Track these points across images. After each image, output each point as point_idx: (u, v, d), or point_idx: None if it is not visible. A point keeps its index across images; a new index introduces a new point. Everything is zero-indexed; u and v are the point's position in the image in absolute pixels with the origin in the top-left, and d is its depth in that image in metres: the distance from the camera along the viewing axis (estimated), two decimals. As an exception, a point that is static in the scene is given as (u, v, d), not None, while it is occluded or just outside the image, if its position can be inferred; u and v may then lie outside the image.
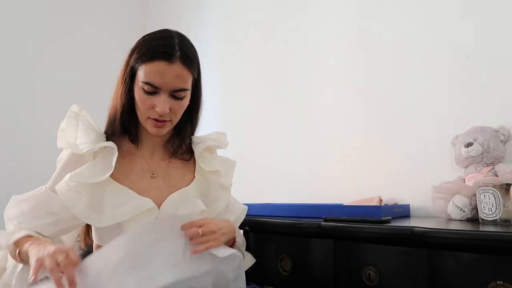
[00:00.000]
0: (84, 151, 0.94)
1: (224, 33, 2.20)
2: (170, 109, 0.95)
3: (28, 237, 0.91)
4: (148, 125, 0.98)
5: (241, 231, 1.32)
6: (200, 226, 0.89)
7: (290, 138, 1.80)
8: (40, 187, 0.99)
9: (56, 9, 2.31)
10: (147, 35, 0.98)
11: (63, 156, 1.03)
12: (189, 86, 0.97)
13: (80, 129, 0.98)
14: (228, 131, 2.17)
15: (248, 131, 1.99)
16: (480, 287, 0.82)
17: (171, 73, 0.92)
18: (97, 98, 2.06)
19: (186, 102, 0.99)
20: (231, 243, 1.04)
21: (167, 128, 1.00)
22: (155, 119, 0.96)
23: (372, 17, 1.58)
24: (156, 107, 0.93)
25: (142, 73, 0.93)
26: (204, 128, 1.16)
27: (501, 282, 0.80)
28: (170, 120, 0.98)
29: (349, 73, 1.63)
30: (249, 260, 1.13)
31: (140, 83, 0.93)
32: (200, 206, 1.01)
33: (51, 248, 0.79)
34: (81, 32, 2.40)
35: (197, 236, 0.88)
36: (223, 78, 2.17)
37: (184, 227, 0.88)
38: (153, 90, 0.93)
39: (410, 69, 1.45)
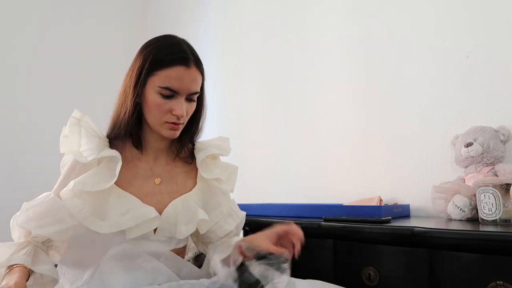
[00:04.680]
0: (88, 159, 0.94)
1: (224, 33, 2.20)
2: (185, 112, 0.98)
3: (17, 266, 0.90)
4: (163, 129, 1.00)
5: (242, 231, 1.32)
6: None
7: (290, 138, 1.80)
8: (48, 193, 0.98)
9: (57, 11, 2.31)
10: (153, 42, 0.99)
11: (66, 161, 1.04)
12: (200, 88, 1.01)
13: (83, 135, 0.98)
14: (228, 131, 2.18)
15: (248, 131, 1.99)
16: (480, 287, 0.82)
17: (189, 77, 0.96)
18: (97, 97, 2.06)
19: (195, 104, 1.02)
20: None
21: (180, 130, 1.02)
22: (173, 123, 0.98)
23: (372, 17, 1.58)
24: (175, 111, 0.96)
25: (159, 79, 0.95)
26: (205, 127, 1.15)
27: (501, 282, 0.80)
28: (183, 122, 1.01)
29: (349, 73, 1.63)
30: None
31: (157, 88, 0.95)
32: (200, 215, 1.02)
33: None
34: (81, 31, 2.40)
35: None
36: (223, 78, 2.17)
37: None
38: (171, 94, 0.95)
39: (410, 69, 1.45)
